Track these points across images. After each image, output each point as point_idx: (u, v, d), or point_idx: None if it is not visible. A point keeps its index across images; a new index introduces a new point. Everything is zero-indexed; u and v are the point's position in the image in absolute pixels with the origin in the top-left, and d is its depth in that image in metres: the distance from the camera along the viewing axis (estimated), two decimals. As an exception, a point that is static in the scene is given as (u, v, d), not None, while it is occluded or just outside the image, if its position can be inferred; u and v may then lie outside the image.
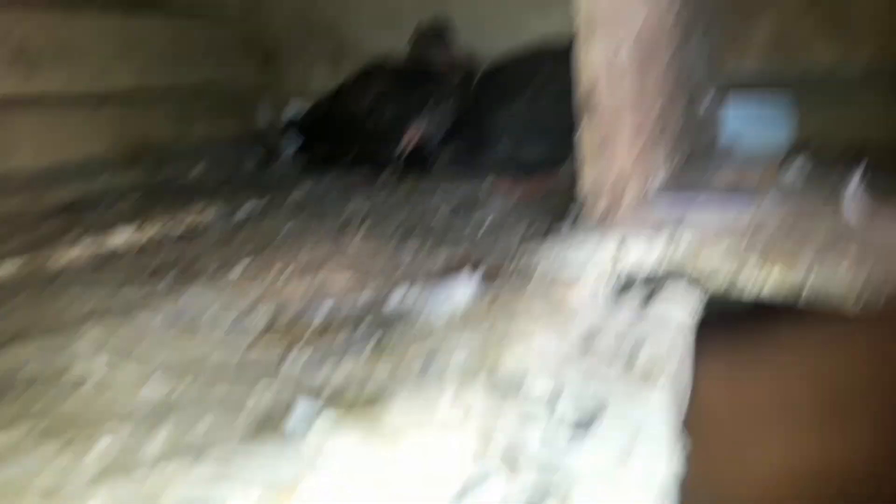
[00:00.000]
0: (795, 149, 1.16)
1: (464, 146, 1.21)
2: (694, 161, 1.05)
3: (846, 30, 1.21)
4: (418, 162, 1.25)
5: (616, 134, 0.73)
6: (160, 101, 1.33)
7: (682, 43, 0.96)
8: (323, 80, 1.51)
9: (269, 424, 0.40)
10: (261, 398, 0.47)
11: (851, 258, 0.58)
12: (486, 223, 0.96)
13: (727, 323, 0.58)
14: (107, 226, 0.94)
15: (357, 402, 0.41)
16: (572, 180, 1.14)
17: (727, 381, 0.58)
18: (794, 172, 0.90)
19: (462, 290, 0.59)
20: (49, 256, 0.83)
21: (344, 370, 0.48)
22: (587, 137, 0.70)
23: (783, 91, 1.23)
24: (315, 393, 0.42)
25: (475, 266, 0.76)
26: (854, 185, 0.68)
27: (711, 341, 0.59)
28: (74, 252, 0.84)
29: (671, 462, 0.40)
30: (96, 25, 1.23)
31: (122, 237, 0.91)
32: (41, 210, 1.08)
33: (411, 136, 1.17)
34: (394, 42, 1.45)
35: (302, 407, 0.39)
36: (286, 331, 0.59)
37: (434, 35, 1.33)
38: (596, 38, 0.67)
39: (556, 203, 1.06)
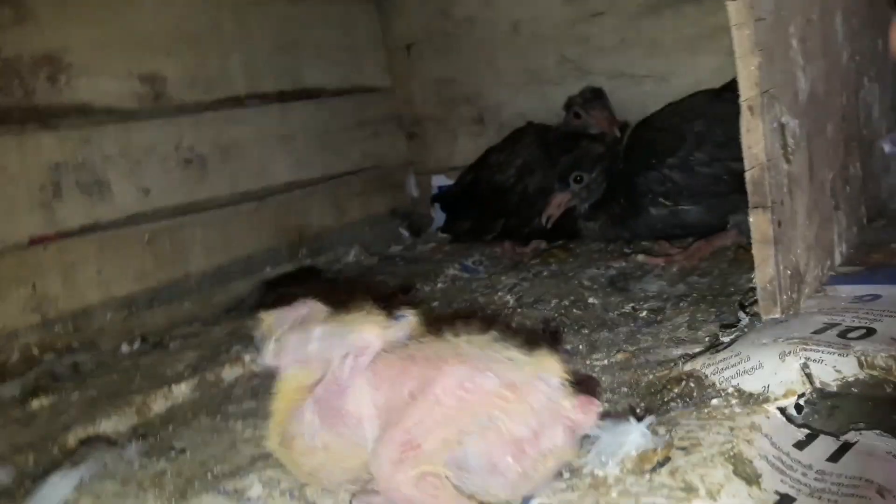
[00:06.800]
0: None
1: (615, 212, 1.14)
2: (874, 225, 0.92)
3: None
4: (566, 232, 1.20)
5: (790, 221, 0.65)
6: (316, 189, 1.39)
7: (853, 96, 0.85)
8: (466, 150, 1.50)
9: None
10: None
11: None
12: (645, 307, 0.89)
13: None
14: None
15: None
16: (738, 239, 1.05)
17: None
18: None
19: (633, 436, 0.53)
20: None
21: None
22: (758, 231, 0.63)
23: None
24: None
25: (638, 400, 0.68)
26: None
27: None
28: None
29: None
30: (256, 122, 1.30)
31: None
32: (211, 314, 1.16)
33: (557, 204, 1.12)
34: (535, 105, 1.42)
35: None
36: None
37: (590, 98, 1.27)
38: (760, 119, 0.61)
39: (720, 275, 0.97)
